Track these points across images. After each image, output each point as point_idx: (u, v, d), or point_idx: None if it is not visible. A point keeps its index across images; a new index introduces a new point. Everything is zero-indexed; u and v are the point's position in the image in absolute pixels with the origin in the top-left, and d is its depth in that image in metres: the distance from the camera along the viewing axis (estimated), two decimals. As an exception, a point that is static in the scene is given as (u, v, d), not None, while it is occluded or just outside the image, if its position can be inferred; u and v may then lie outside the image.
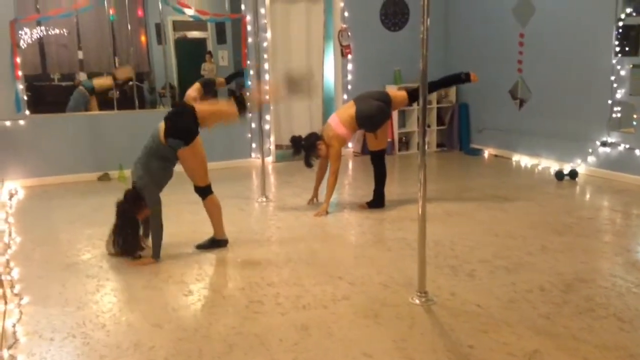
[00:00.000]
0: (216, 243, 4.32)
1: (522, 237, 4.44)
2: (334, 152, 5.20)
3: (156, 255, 4.06)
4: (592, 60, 6.39)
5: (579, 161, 6.59)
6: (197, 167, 4.13)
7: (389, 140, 8.29)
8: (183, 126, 4.02)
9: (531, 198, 5.65)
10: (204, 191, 4.21)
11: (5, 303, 3.31)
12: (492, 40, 7.79)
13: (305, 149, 5.28)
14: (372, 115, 5.16)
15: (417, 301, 3.28)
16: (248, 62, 7.53)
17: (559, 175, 6.40)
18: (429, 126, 8.45)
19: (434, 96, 8.42)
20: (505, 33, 7.50)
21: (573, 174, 6.39)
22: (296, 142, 5.33)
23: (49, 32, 7.50)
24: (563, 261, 3.90)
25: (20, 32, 6.73)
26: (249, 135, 7.73)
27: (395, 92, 5.51)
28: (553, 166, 6.80)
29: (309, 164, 5.33)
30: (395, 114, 8.27)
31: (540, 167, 7.03)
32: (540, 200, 5.58)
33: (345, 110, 5.33)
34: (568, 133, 6.75)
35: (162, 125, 4.03)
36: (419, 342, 2.85)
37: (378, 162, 5.39)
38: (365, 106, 5.20)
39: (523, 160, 7.40)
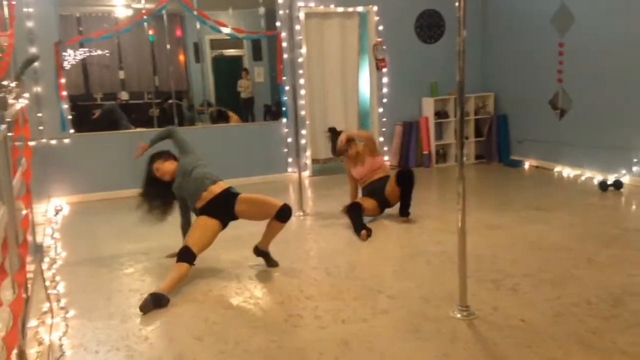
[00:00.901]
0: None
1: (567, 249, 4.33)
2: (353, 152, 5.50)
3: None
4: (634, 68, 6.23)
5: (623, 171, 6.40)
6: (260, 198, 4.17)
7: (425, 153, 8.24)
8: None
9: (574, 210, 5.51)
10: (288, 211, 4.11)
11: (52, 317, 3.39)
12: (531, 50, 7.68)
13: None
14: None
15: (459, 315, 3.22)
16: (284, 77, 7.62)
17: (603, 185, 6.23)
18: (466, 138, 8.35)
19: (471, 108, 8.35)
20: (544, 43, 7.39)
21: (617, 185, 6.22)
22: (333, 131, 6.02)
23: (92, 53, 7.74)
24: (610, 274, 3.79)
25: (64, 53, 6.97)
26: (285, 150, 7.79)
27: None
28: (596, 177, 6.62)
29: (335, 152, 5.76)
30: (432, 127, 8.23)
31: (583, 178, 6.85)
32: (584, 211, 5.44)
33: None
34: (611, 142, 6.56)
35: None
36: (462, 357, 2.79)
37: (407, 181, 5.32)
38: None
39: (565, 171, 7.23)
